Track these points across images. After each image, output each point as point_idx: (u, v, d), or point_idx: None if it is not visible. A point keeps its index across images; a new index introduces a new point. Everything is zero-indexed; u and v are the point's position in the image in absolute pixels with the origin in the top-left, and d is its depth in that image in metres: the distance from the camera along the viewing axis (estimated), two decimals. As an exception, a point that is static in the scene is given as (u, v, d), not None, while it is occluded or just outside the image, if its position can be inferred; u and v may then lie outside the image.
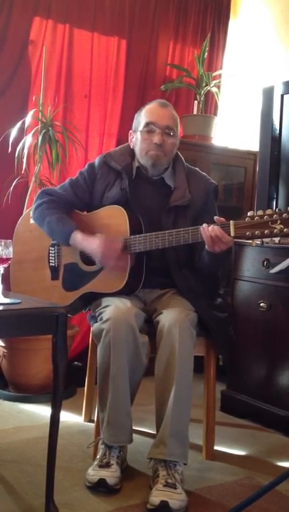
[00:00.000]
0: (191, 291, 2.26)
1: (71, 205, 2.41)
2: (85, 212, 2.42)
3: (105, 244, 2.17)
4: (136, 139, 2.34)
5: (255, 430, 2.72)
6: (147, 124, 2.28)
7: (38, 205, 2.40)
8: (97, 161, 2.43)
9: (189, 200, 2.30)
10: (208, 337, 2.31)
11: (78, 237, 2.26)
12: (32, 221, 2.48)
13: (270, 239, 1.99)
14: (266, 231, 1.95)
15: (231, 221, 2.02)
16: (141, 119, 2.33)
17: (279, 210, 1.95)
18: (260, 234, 1.96)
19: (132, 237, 2.20)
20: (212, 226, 2.04)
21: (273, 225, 1.94)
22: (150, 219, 2.27)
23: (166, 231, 2.16)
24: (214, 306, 2.29)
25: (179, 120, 2.38)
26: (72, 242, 2.28)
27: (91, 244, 2.21)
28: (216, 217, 2.07)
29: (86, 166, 2.45)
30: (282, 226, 1.93)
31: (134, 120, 2.38)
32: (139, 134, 2.31)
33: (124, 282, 2.20)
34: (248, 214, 1.99)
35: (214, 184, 2.41)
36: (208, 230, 2.04)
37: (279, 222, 1.93)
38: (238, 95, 3.99)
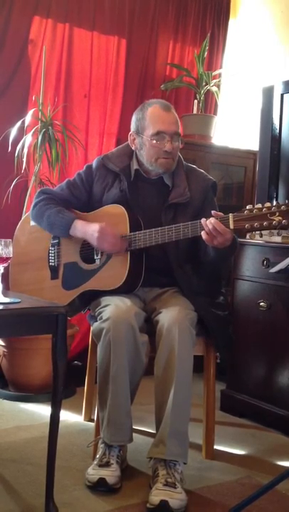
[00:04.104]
0: (192, 289, 2.26)
1: (69, 204, 2.42)
2: (85, 213, 2.42)
3: (104, 228, 2.19)
4: (141, 144, 2.31)
5: (254, 430, 2.72)
6: (157, 133, 2.24)
7: (36, 204, 2.41)
8: (94, 162, 2.43)
9: (189, 198, 2.30)
10: (208, 336, 2.31)
11: (79, 224, 2.28)
12: (32, 223, 2.48)
13: (269, 235, 2.00)
14: (265, 223, 1.96)
15: (230, 214, 2.04)
16: (146, 124, 2.28)
17: (277, 202, 1.97)
18: (259, 226, 1.97)
19: (132, 233, 2.21)
20: (209, 220, 2.05)
21: (272, 217, 1.95)
22: (150, 217, 2.28)
23: (166, 226, 2.17)
24: (214, 305, 2.29)
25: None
26: (73, 231, 2.29)
27: (90, 227, 2.24)
28: (213, 212, 2.08)
29: (84, 168, 2.46)
30: (280, 218, 1.94)
31: (135, 121, 2.34)
32: (146, 140, 2.27)
33: (124, 280, 2.21)
34: (247, 207, 2.01)
35: (212, 180, 2.41)
36: (205, 225, 2.05)
37: (277, 214, 1.95)
38: (237, 95, 3.99)
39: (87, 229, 2.26)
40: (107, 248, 2.22)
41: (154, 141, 2.25)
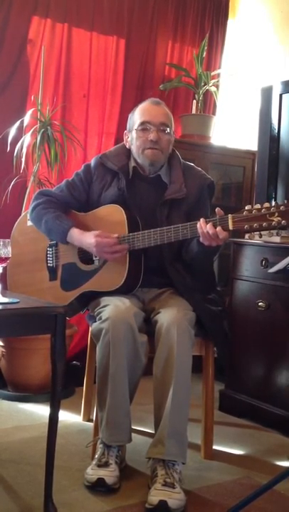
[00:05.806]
0: (186, 285, 2.26)
1: (68, 205, 2.42)
2: (83, 213, 2.42)
3: (99, 241, 2.19)
4: (131, 138, 2.36)
5: (253, 430, 2.72)
6: (142, 123, 2.30)
7: (35, 206, 2.41)
8: (93, 162, 2.44)
9: (184, 195, 2.31)
10: (207, 336, 2.31)
11: (75, 233, 2.28)
12: (29, 223, 2.48)
13: (268, 234, 2.00)
14: (264, 224, 1.96)
15: (229, 214, 2.04)
16: (135, 118, 2.34)
17: (276, 203, 1.98)
18: (258, 227, 1.98)
19: (131, 234, 2.21)
20: (210, 224, 2.05)
21: (271, 218, 1.95)
22: (146, 215, 2.29)
23: (165, 227, 2.17)
24: (208, 300, 2.29)
25: (172, 118, 2.38)
26: (70, 238, 2.29)
27: (86, 238, 2.24)
28: (217, 209, 2.08)
29: (82, 167, 2.47)
30: (279, 218, 1.94)
31: (129, 120, 2.39)
32: (134, 132, 2.33)
33: (123, 280, 2.21)
34: (246, 208, 2.01)
35: (210, 179, 2.42)
36: (205, 227, 2.05)
37: (276, 214, 1.95)
38: (236, 95, 3.99)
39: (82, 241, 2.26)
40: (109, 259, 2.23)
41: (140, 132, 2.30)
